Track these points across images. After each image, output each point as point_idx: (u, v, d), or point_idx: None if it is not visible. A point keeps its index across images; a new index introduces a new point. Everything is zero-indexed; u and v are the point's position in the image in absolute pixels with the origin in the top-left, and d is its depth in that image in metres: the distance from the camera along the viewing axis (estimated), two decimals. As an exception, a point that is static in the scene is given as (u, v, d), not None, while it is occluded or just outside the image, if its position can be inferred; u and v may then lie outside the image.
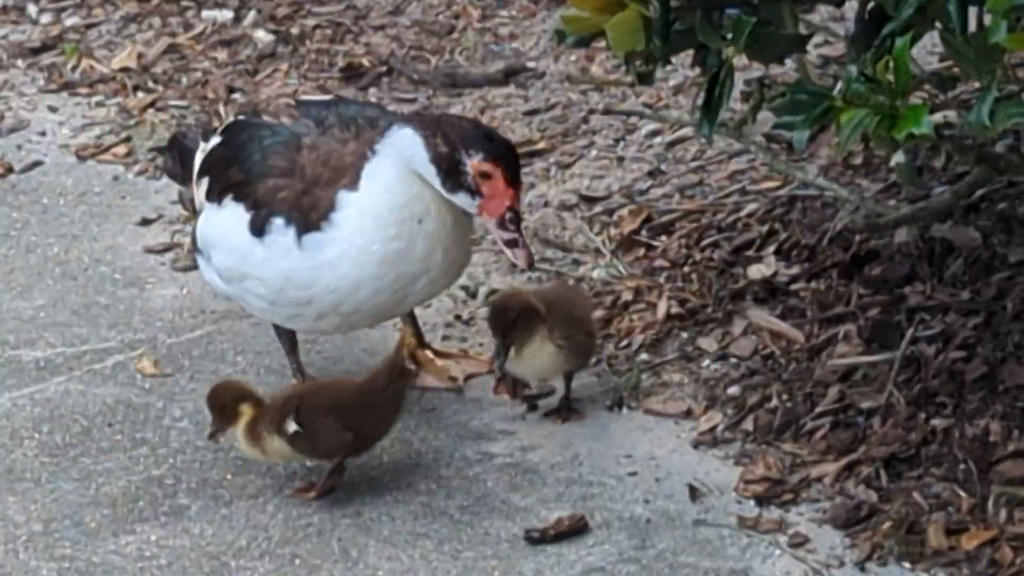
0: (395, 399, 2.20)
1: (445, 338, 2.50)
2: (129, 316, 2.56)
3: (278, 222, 2.18)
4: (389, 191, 2.13)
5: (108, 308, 2.58)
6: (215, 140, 2.34)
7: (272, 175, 2.20)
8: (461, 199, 2.07)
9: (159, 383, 2.39)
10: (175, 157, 2.51)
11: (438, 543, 2.05)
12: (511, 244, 2.10)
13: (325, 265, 2.16)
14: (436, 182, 2.10)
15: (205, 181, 2.31)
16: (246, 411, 2.14)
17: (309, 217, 2.15)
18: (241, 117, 2.42)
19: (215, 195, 2.27)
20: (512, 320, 2.25)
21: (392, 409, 2.22)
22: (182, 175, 2.48)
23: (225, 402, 2.16)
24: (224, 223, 2.24)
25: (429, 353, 2.33)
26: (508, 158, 2.13)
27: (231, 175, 2.22)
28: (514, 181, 2.11)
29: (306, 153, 2.18)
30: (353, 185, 2.14)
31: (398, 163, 2.11)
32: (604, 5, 2.04)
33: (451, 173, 2.07)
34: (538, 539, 2.09)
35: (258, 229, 2.19)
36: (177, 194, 2.58)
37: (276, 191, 2.19)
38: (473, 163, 2.06)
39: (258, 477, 2.22)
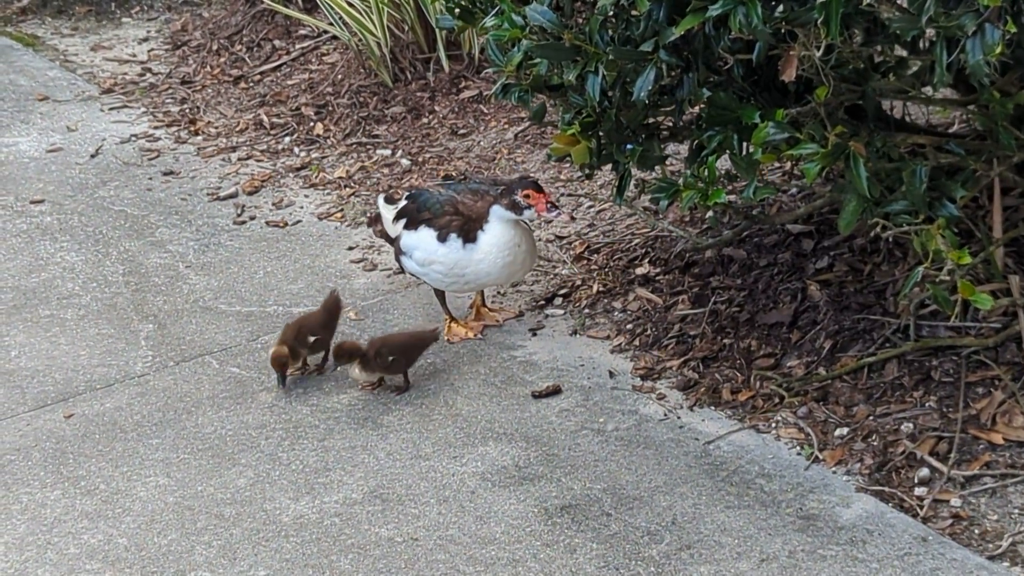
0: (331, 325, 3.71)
1: (493, 300, 4.00)
2: (343, 292, 4.05)
3: (453, 236, 3.60)
4: (503, 236, 3.55)
5: (333, 288, 4.04)
6: (403, 202, 3.75)
7: (447, 215, 3.62)
8: (526, 214, 3.52)
9: (358, 322, 3.97)
10: (371, 222, 4.01)
11: (489, 397, 3.51)
12: (556, 215, 3.56)
13: (474, 261, 3.58)
14: (514, 216, 3.51)
15: (403, 220, 3.71)
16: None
17: (468, 236, 3.57)
18: (414, 190, 3.82)
19: (413, 226, 3.67)
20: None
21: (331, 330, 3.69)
22: (373, 225, 3.96)
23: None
24: (421, 238, 3.65)
25: (486, 308, 3.87)
26: (533, 183, 3.55)
27: (423, 215, 3.65)
28: (541, 191, 3.52)
29: (461, 205, 3.62)
30: (483, 229, 3.60)
31: (499, 222, 3.55)
32: (570, 141, 3.29)
33: (516, 206, 3.52)
34: (538, 396, 3.48)
35: (442, 239, 3.60)
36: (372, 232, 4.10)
37: (451, 222, 3.60)
38: (521, 194, 3.51)
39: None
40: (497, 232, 3.61)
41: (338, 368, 3.71)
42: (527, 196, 3.53)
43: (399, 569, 2.95)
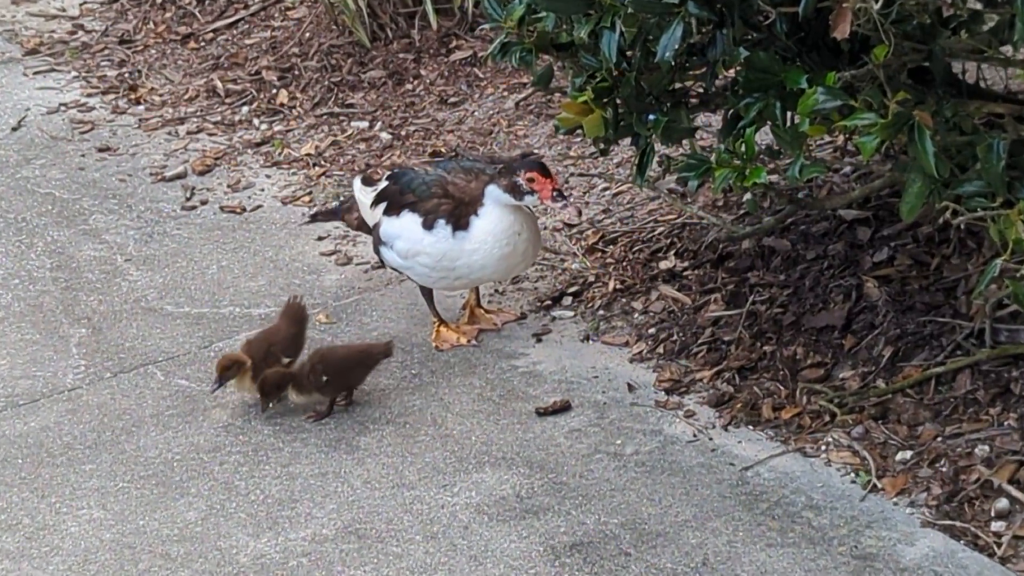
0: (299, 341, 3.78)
1: (489, 300, 4.06)
2: (312, 290, 4.17)
3: (441, 222, 3.65)
4: (500, 222, 3.60)
5: (300, 285, 4.21)
6: (383, 183, 3.81)
7: (434, 197, 3.69)
8: (527, 200, 3.58)
9: (329, 326, 4.03)
10: (326, 215, 4.18)
11: (487, 415, 3.57)
12: (563, 207, 3.62)
13: (466, 252, 3.64)
14: (512, 200, 3.57)
15: (383, 205, 3.78)
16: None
17: (459, 222, 3.62)
18: (396, 170, 3.87)
19: (395, 211, 3.74)
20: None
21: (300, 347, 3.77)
22: (340, 215, 4.07)
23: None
24: (404, 225, 3.72)
25: (482, 309, 3.94)
26: (539, 164, 3.60)
27: (406, 198, 3.72)
28: (548, 175, 3.57)
29: (451, 187, 3.68)
30: (476, 214, 3.61)
31: (496, 206, 3.59)
32: (582, 110, 3.34)
33: (517, 189, 3.57)
34: (543, 413, 3.55)
35: (428, 226, 3.67)
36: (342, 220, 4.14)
37: (439, 206, 3.67)
38: (524, 175, 3.56)
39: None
40: (493, 218, 3.65)
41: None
42: (531, 180, 3.57)
43: (378, 618, 2.98)
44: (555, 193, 3.57)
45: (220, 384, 3.64)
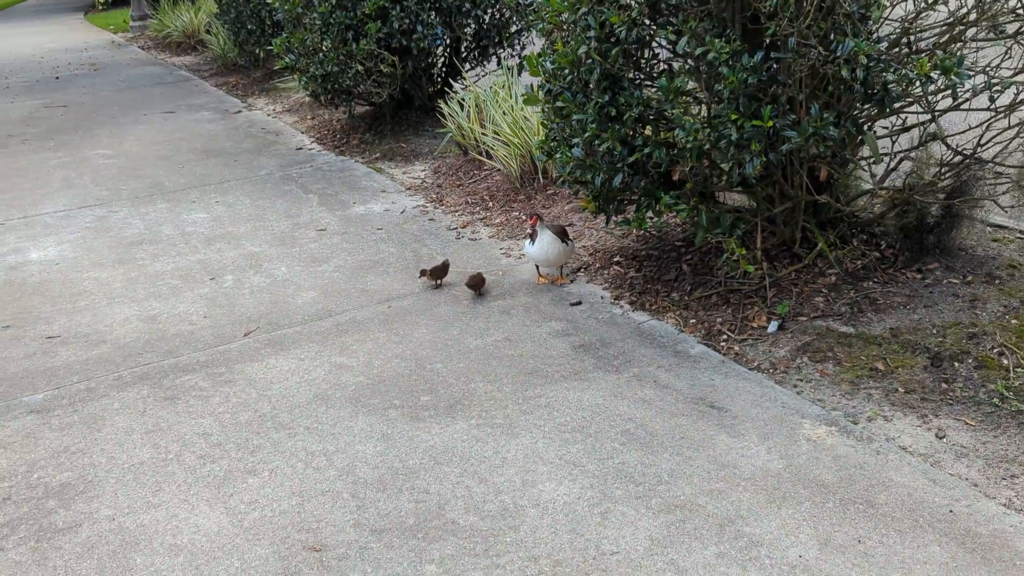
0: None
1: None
2: (497, 270, 10.71)
3: (527, 241, 9.23)
4: (546, 242, 9.18)
5: (489, 262, 10.90)
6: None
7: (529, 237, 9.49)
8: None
9: (502, 277, 10.44)
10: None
11: (547, 302, 9.55)
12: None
13: (532, 252, 9.31)
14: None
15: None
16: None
17: (533, 239, 9.12)
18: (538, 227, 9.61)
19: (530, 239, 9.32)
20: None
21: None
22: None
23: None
24: (527, 244, 9.32)
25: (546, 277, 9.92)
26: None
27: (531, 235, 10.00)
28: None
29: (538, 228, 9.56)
30: (533, 241, 9.23)
31: (546, 234, 9.22)
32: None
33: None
34: (573, 304, 9.50)
35: (530, 239, 9.22)
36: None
37: (531, 236, 9.41)
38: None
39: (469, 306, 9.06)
40: (544, 242, 9.02)
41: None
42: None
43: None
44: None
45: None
